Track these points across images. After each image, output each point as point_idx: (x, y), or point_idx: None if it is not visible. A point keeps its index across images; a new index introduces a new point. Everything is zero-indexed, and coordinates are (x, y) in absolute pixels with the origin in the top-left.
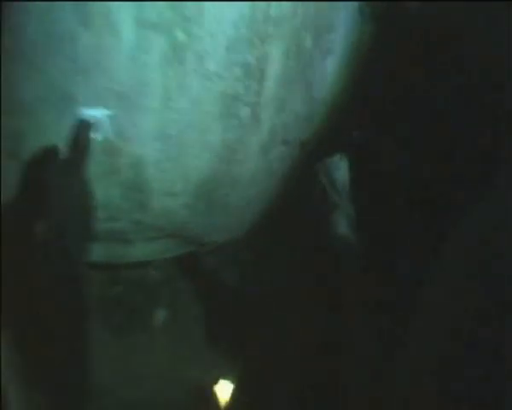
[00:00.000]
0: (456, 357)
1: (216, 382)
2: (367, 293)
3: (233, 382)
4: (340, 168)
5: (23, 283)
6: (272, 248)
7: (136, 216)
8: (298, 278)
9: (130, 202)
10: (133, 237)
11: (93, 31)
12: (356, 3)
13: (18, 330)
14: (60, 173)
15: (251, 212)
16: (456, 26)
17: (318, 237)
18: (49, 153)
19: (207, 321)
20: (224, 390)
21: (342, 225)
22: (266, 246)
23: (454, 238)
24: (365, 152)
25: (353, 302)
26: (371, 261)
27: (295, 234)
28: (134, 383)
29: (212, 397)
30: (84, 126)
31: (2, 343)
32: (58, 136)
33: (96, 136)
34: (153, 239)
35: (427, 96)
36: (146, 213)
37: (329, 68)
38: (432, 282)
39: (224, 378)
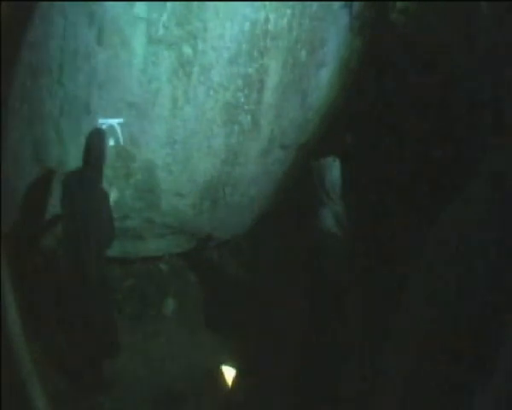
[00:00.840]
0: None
1: (220, 367)
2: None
3: (235, 366)
4: (330, 169)
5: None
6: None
7: (148, 215)
8: (292, 271)
9: (142, 202)
10: (145, 234)
11: (108, 47)
12: (346, 21)
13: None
14: (79, 180)
15: (251, 210)
16: (439, 39)
17: (306, 231)
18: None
19: (212, 310)
20: (226, 375)
21: (328, 221)
22: (266, 241)
23: (433, 234)
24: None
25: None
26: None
27: (290, 229)
28: (147, 366)
29: (219, 379)
30: (99, 135)
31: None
32: (78, 143)
33: (109, 142)
34: (162, 236)
35: (412, 105)
36: (156, 212)
37: (323, 79)
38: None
39: (227, 363)
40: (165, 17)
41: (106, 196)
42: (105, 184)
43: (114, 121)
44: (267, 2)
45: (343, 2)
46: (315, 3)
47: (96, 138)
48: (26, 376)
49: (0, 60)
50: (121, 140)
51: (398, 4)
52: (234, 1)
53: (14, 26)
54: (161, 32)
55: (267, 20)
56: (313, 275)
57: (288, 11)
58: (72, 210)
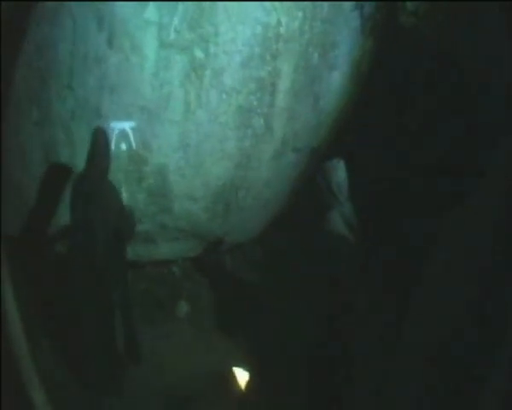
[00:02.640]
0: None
1: (232, 369)
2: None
3: (247, 369)
4: (336, 170)
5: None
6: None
7: (160, 219)
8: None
9: (155, 206)
10: (157, 238)
11: (118, 51)
12: (357, 23)
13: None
14: (83, 181)
15: (264, 213)
16: (449, 40)
17: (316, 234)
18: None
19: (225, 313)
20: (238, 377)
21: (336, 223)
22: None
23: (444, 234)
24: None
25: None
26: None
27: (302, 232)
28: (159, 369)
29: (231, 382)
30: (102, 134)
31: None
32: (87, 147)
33: (121, 146)
34: (175, 239)
35: (423, 105)
36: (169, 216)
37: (335, 82)
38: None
39: (239, 366)
40: (176, 21)
41: (114, 190)
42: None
43: (126, 125)
44: (278, 6)
45: (354, 5)
46: (326, 6)
47: (100, 137)
48: (26, 375)
49: (0, 60)
50: (133, 144)
51: (409, 6)
52: (245, 1)
53: (14, 26)
54: (173, 36)
55: (279, 23)
56: (323, 278)
57: (300, 14)
58: (79, 213)
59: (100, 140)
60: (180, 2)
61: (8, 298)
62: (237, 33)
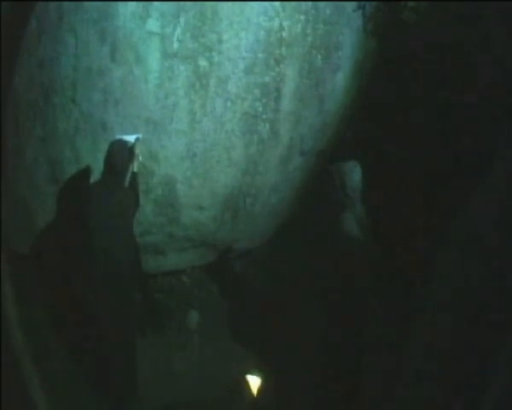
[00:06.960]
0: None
1: (245, 376)
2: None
3: (260, 376)
4: (351, 173)
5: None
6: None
7: (169, 229)
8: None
9: (163, 216)
10: (166, 249)
11: (122, 64)
12: (360, 23)
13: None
14: (103, 191)
15: (273, 219)
16: (451, 36)
17: (328, 235)
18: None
19: (236, 321)
20: (251, 385)
21: (350, 224)
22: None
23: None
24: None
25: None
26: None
27: (313, 236)
28: (171, 380)
29: (244, 390)
30: (120, 144)
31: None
32: (94, 161)
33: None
34: (184, 249)
35: (427, 102)
36: (177, 227)
37: (339, 83)
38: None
39: (252, 373)
40: (178, 31)
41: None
42: None
43: (132, 138)
44: (280, 10)
45: (356, 5)
46: (328, 8)
47: (118, 147)
48: (27, 376)
49: (0, 60)
50: (139, 156)
51: (410, 3)
52: (249, 0)
53: (14, 26)
54: (176, 46)
55: (281, 27)
56: (338, 280)
57: (302, 17)
58: (98, 219)
59: (116, 150)
60: (182, 12)
61: (8, 300)
62: (240, 40)
